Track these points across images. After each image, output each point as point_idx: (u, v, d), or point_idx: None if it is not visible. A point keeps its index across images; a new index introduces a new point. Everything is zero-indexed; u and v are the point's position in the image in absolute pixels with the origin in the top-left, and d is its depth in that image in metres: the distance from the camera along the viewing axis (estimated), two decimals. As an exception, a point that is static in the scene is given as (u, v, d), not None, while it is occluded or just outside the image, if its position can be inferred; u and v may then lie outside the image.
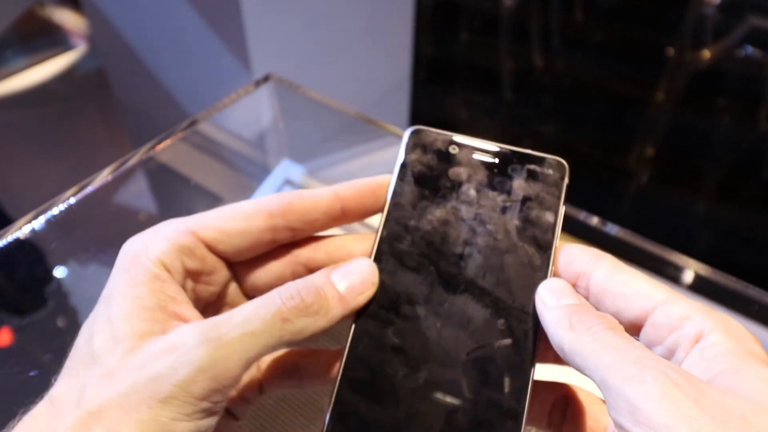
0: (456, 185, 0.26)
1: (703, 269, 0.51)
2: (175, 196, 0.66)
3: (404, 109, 1.28)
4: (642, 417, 0.18)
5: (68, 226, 0.49)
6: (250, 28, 0.88)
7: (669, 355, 0.22)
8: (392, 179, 0.27)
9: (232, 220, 0.25)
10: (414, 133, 0.28)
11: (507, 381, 0.23)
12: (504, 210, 0.26)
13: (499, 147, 0.27)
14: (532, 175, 0.26)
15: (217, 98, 0.60)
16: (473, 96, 1.79)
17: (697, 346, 0.21)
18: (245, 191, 0.64)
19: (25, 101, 1.68)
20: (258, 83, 0.62)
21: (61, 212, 0.47)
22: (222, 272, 0.26)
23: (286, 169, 0.65)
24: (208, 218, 0.25)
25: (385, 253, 0.26)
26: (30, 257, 0.50)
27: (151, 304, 0.23)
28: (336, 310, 0.24)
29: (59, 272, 0.53)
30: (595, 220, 0.53)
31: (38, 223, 0.46)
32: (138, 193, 0.61)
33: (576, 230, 0.55)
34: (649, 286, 0.23)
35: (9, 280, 0.52)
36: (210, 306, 0.27)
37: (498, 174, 0.26)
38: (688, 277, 0.52)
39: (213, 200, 0.66)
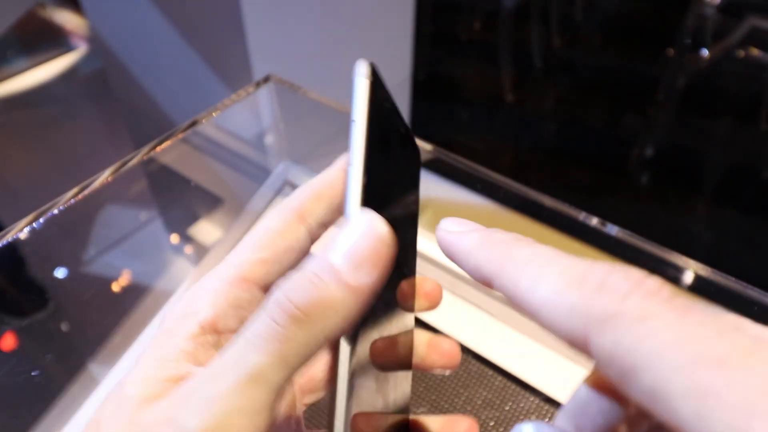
0: None
1: (703, 270, 0.51)
2: (176, 196, 0.66)
3: (404, 109, 1.28)
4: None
5: (68, 226, 0.49)
6: (250, 29, 0.88)
7: None
8: None
9: (270, 245, 0.21)
10: None
11: None
12: None
13: None
14: None
15: (218, 99, 0.60)
16: (473, 97, 1.79)
17: None
18: (245, 192, 0.64)
19: (26, 102, 1.68)
20: (258, 84, 0.62)
21: (61, 213, 0.47)
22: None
23: (286, 169, 0.65)
24: (246, 256, 0.21)
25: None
26: (30, 258, 0.50)
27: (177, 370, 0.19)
28: (346, 302, 0.18)
29: (60, 273, 0.53)
30: (595, 221, 0.53)
31: (38, 223, 0.46)
32: (138, 194, 0.61)
33: (576, 230, 0.55)
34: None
35: (10, 282, 0.52)
36: None
37: None
38: (688, 277, 0.52)
39: (213, 201, 0.66)
